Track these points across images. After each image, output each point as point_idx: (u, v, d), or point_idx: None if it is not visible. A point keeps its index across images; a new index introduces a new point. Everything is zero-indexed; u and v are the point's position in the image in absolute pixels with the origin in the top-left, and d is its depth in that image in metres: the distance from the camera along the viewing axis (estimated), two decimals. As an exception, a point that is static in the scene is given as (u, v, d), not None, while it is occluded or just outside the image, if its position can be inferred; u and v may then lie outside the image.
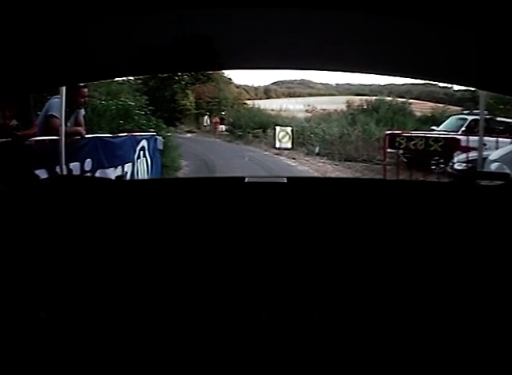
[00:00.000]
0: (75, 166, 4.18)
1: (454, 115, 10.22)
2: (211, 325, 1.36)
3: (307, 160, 10.73)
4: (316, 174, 9.54)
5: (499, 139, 7.11)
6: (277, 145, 11.54)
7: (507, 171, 4.61)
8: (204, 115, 13.98)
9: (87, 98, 4.44)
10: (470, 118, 8.70)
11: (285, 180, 1.68)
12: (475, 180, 1.79)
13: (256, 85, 16.17)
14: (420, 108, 13.58)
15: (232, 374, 1.31)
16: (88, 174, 4.33)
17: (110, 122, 7.85)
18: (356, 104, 13.83)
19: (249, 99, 15.31)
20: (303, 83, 16.36)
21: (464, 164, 6.79)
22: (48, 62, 1.33)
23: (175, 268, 1.44)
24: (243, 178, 1.67)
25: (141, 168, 5.78)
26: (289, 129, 11.68)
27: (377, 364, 1.31)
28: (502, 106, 9.51)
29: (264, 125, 12.75)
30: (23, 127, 3.52)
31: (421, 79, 3.75)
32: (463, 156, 6.99)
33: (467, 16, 1.13)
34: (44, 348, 1.27)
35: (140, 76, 9.82)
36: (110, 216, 1.50)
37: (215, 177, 4.39)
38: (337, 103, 14.08)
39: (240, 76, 16.24)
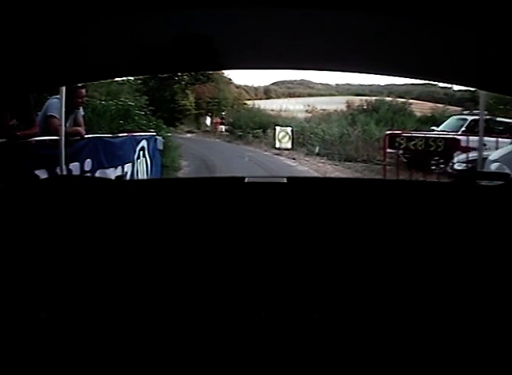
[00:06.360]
0: (75, 166, 4.19)
1: (454, 115, 10.23)
2: (211, 325, 1.36)
3: (307, 160, 10.72)
4: (316, 174, 9.53)
5: (499, 139, 7.12)
6: (277, 145, 11.53)
7: (507, 171, 4.61)
8: (204, 115, 13.98)
9: (84, 99, 4.44)
10: (470, 118, 8.72)
11: (285, 180, 1.67)
12: (475, 180, 1.80)
13: (256, 85, 16.18)
14: (420, 108, 13.58)
15: (232, 374, 1.31)
16: (88, 174, 4.33)
17: (110, 122, 7.86)
18: (356, 104, 13.82)
19: (249, 99, 15.31)
20: (303, 83, 16.36)
21: (464, 164, 6.79)
22: (48, 62, 1.33)
23: (175, 268, 1.44)
24: (243, 178, 1.67)
25: (141, 168, 5.78)
26: (289, 129, 11.68)
27: (377, 364, 1.31)
28: (502, 106, 9.52)
29: (264, 125, 12.75)
30: (23, 127, 3.53)
31: (421, 79, 3.75)
32: (463, 156, 6.99)
33: (467, 16, 1.13)
34: (44, 348, 1.27)
35: (140, 76, 9.81)
36: (110, 216, 1.50)
37: (215, 177, 4.39)
38: (337, 103, 14.08)
39: (240, 76, 16.27)
